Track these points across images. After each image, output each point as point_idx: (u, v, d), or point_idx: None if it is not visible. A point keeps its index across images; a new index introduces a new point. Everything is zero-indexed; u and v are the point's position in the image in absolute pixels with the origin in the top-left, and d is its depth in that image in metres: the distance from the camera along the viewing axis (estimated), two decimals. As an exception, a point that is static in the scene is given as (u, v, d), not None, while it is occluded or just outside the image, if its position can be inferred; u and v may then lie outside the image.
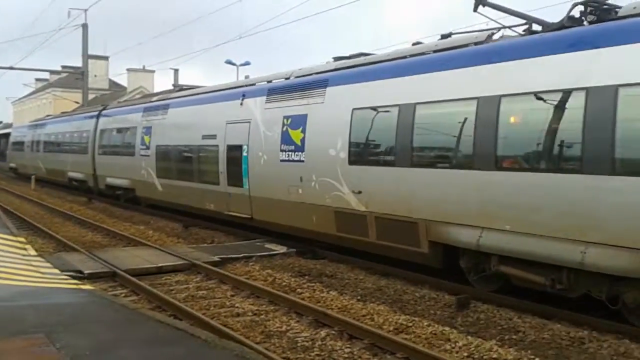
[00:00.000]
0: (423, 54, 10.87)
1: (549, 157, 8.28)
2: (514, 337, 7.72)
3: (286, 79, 14.79)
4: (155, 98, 23.03)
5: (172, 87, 27.57)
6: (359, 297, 9.70)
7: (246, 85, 16.54)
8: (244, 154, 15.12)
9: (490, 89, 9.00)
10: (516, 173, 8.57)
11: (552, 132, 8.22)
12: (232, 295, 10.00)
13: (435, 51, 10.72)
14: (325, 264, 12.26)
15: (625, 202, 7.35)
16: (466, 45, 10.17)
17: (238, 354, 6.23)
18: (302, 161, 12.97)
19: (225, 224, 16.91)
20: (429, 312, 8.92)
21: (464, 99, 9.35)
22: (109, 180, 24.20)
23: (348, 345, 7.40)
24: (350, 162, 11.61)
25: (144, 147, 20.93)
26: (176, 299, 9.41)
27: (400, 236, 10.64)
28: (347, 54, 13.83)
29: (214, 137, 16.50)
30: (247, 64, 41.90)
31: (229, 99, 16.38)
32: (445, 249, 10.05)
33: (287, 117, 13.60)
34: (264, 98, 14.71)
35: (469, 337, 7.58)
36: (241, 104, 15.57)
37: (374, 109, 11.24)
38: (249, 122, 15.01)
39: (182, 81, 39.66)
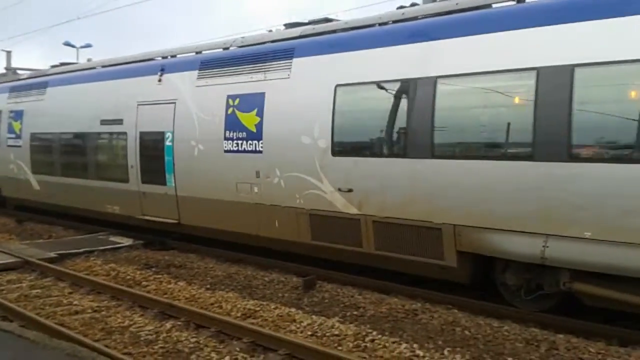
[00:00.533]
0: (439, 14, 8.65)
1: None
2: (355, 312, 8.05)
3: (225, 49, 11.91)
4: (25, 75, 18.67)
5: (4, 71, 22.60)
6: (208, 286, 9.61)
7: (164, 57, 13.32)
8: (167, 143, 12.04)
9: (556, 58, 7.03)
10: (603, 165, 6.68)
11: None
12: (70, 293, 9.42)
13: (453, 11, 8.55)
14: (174, 254, 11.94)
15: None
16: None
17: (70, 353, 6.03)
18: (259, 152, 10.28)
19: (67, 219, 15.38)
20: (277, 295, 9.05)
21: (522, 69, 7.29)
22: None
23: (194, 335, 7.27)
24: (335, 153, 9.17)
25: (13, 135, 16.76)
26: (6, 300, 8.72)
27: (412, 246, 8.43)
28: (304, 20, 11.27)
29: (118, 122, 13.16)
30: (88, 46, 37.65)
31: (140, 74, 13.11)
32: (476, 261, 8.01)
33: (233, 97, 10.78)
34: (195, 73, 11.71)
35: (314, 316, 7.85)
36: (159, 80, 12.42)
37: (373, 84, 8.84)
38: (174, 103, 11.95)
39: (17, 64, 34.25)
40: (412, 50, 8.40)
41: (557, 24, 7.12)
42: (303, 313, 8.05)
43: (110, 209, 13.75)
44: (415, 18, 9.03)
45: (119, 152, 13.51)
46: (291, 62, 9.99)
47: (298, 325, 7.55)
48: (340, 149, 9.16)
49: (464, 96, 7.96)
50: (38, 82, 16.50)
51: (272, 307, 8.30)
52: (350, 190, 9.01)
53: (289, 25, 11.39)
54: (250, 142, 10.43)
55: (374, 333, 7.12)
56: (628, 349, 6.45)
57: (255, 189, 10.44)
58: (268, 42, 10.99)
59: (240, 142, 10.61)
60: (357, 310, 8.13)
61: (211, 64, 11.50)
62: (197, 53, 12.46)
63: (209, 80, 11.37)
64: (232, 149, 10.76)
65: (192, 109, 11.55)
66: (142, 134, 12.63)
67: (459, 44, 8.00)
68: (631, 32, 6.54)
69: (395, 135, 8.67)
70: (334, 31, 9.97)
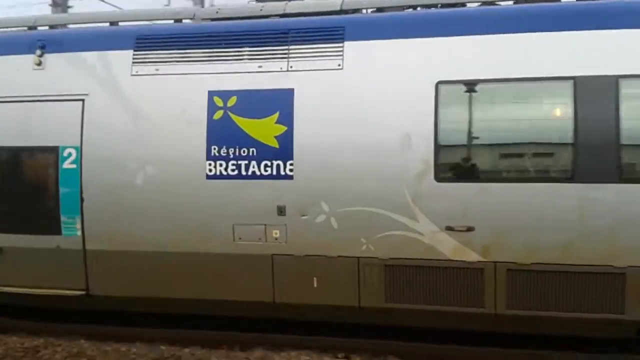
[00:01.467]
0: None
1: None
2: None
3: (176, 20, 7.81)
4: None
5: None
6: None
7: (52, 27, 8.22)
8: (67, 165, 7.34)
9: None
10: None
11: None
12: None
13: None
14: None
15: None
16: None
17: None
18: (288, 177, 6.80)
19: None
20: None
21: None
22: None
23: None
24: (441, 179, 6.48)
25: None
26: None
27: (573, 299, 6.35)
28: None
29: None
30: None
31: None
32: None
33: (221, 95, 7.00)
34: (127, 54, 7.40)
35: None
36: (39, 63, 7.58)
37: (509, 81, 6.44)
38: (81, 100, 7.36)
39: None
40: (578, 38, 6.36)
41: None
42: None
43: None
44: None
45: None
46: (342, 47, 6.87)
47: None
48: (452, 172, 6.52)
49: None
50: None
51: None
52: (470, 230, 6.44)
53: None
54: (267, 162, 6.85)
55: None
56: (247, 352, 6.97)
57: (276, 234, 6.88)
58: (288, 15, 7.44)
59: (243, 162, 6.91)
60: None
61: (168, 41, 7.36)
62: (111, 24, 7.95)
63: (162, 67, 7.25)
64: (225, 173, 6.95)
65: (127, 111, 7.23)
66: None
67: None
68: None
69: (547, 154, 6.46)
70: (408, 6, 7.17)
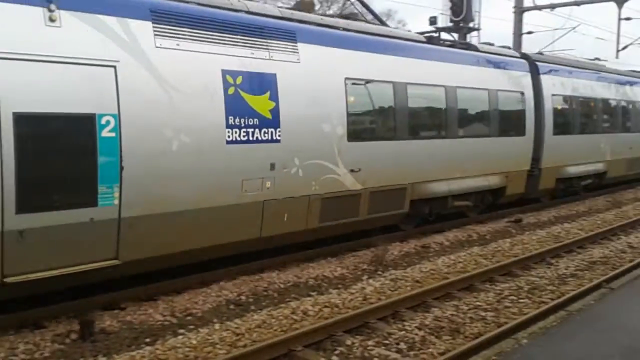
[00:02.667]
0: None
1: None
2: None
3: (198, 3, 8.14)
4: None
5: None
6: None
7: None
8: (107, 133, 7.24)
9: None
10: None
11: None
12: None
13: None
14: None
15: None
16: None
17: None
18: (278, 141, 9.16)
19: None
20: None
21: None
22: None
23: None
24: (349, 139, 10.35)
25: None
26: None
27: (389, 203, 11.53)
28: None
29: None
30: None
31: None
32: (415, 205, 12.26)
33: (233, 74, 8.55)
34: (146, 25, 7.68)
35: None
36: (51, 18, 6.88)
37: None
38: (113, 66, 7.31)
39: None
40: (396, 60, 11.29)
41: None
42: None
43: None
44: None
45: None
46: (296, 47, 9.55)
47: None
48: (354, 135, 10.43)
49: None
50: None
51: None
52: (359, 170, 10.61)
53: None
54: (265, 129, 8.97)
55: None
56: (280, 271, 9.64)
57: (267, 184, 9.13)
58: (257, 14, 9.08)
59: (250, 129, 8.78)
60: None
61: (185, 19, 7.98)
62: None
63: (183, 43, 8.01)
64: (238, 139, 8.63)
65: (158, 81, 7.73)
66: (23, 119, 6.52)
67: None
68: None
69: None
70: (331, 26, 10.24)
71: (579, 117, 17.69)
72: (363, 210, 10.91)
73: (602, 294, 7.89)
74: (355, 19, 12.48)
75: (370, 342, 6.76)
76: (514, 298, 8.51)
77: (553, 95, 16.13)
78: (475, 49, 14.45)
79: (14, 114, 6.43)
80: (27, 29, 6.67)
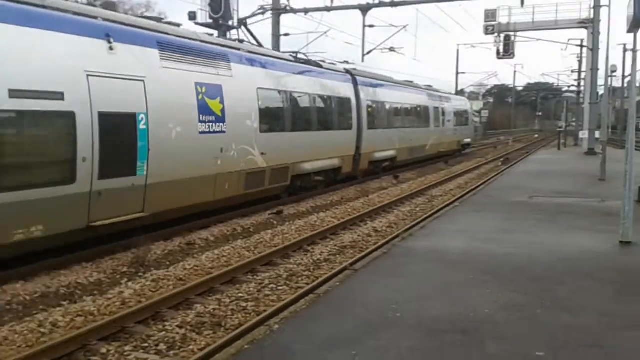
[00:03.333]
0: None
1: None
2: None
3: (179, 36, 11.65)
4: None
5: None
6: None
7: (111, 22, 9.63)
8: (142, 126, 10.72)
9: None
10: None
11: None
12: None
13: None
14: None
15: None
16: None
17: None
18: (224, 132, 13.14)
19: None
20: None
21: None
22: None
23: None
24: (261, 132, 14.66)
25: None
26: None
27: (279, 178, 16.04)
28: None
29: (53, 96, 9.09)
30: None
31: (73, 32, 9.43)
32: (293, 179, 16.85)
33: (201, 85, 12.36)
34: (156, 52, 11.22)
35: None
36: (111, 47, 10.20)
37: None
38: (143, 80, 10.79)
39: None
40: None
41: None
42: None
43: (25, 232, 8.67)
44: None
45: (49, 141, 8.93)
46: (230, 65, 13.56)
47: None
48: (263, 128, 14.72)
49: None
50: None
51: None
52: (265, 154, 14.93)
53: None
54: (219, 124, 12.90)
55: None
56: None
57: (219, 162, 13.05)
58: (209, 43, 12.85)
59: (210, 124, 12.65)
60: None
61: (173, 48, 11.65)
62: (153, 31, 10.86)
63: (174, 64, 11.64)
64: (205, 130, 12.47)
65: (163, 90, 11.32)
66: (102, 116, 9.77)
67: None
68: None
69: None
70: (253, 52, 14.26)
71: (383, 115, 24.00)
72: (267, 182, 15.24)
73: (346, 275, 8.16)
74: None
75: (127, 347, 6.56)
76: (274, 286, 8.87)
77: (367, 100, 22.05)
78: (321, 66, 19.61)
79: (99, 112, 9.66)
80: (100, 55, 9.90)
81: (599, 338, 5.66)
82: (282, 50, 24.19)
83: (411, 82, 31.28)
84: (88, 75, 9.51)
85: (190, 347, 6.58)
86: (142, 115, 10.62)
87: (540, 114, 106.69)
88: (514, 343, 5.56)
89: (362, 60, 29.17)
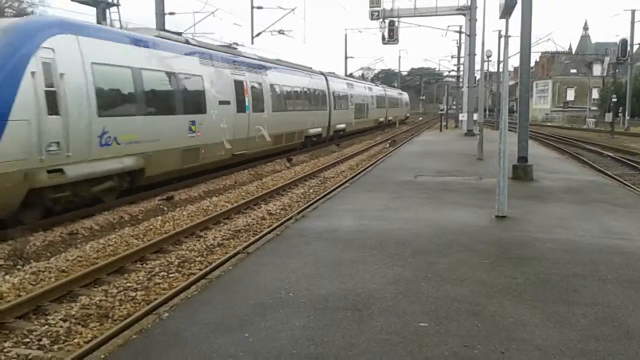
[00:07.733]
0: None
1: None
2: None
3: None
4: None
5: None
6: None
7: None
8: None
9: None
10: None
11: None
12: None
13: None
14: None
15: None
16: None
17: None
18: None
19: None
20: None
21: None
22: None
23: None
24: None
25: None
26: None
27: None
28: None
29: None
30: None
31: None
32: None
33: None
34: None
35: None
36: None
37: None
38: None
39: None
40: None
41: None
42: None
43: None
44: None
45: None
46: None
47: None
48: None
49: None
50: None
51: None
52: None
53: None
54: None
55: None
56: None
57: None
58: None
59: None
60: None
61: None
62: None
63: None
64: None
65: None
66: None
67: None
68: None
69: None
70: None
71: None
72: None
73: (239, 259, 8.06)
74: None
75: (7, 344, 6.30)
76: (165, 274, 8.72)
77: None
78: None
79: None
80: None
81: (476, 307, 6.00)
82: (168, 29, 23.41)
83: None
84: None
85: (76, 340, 6.42)
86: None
87: (423, 97, 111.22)
88: (400, 316, 5.78)
89: (252, 42, 29.27)
